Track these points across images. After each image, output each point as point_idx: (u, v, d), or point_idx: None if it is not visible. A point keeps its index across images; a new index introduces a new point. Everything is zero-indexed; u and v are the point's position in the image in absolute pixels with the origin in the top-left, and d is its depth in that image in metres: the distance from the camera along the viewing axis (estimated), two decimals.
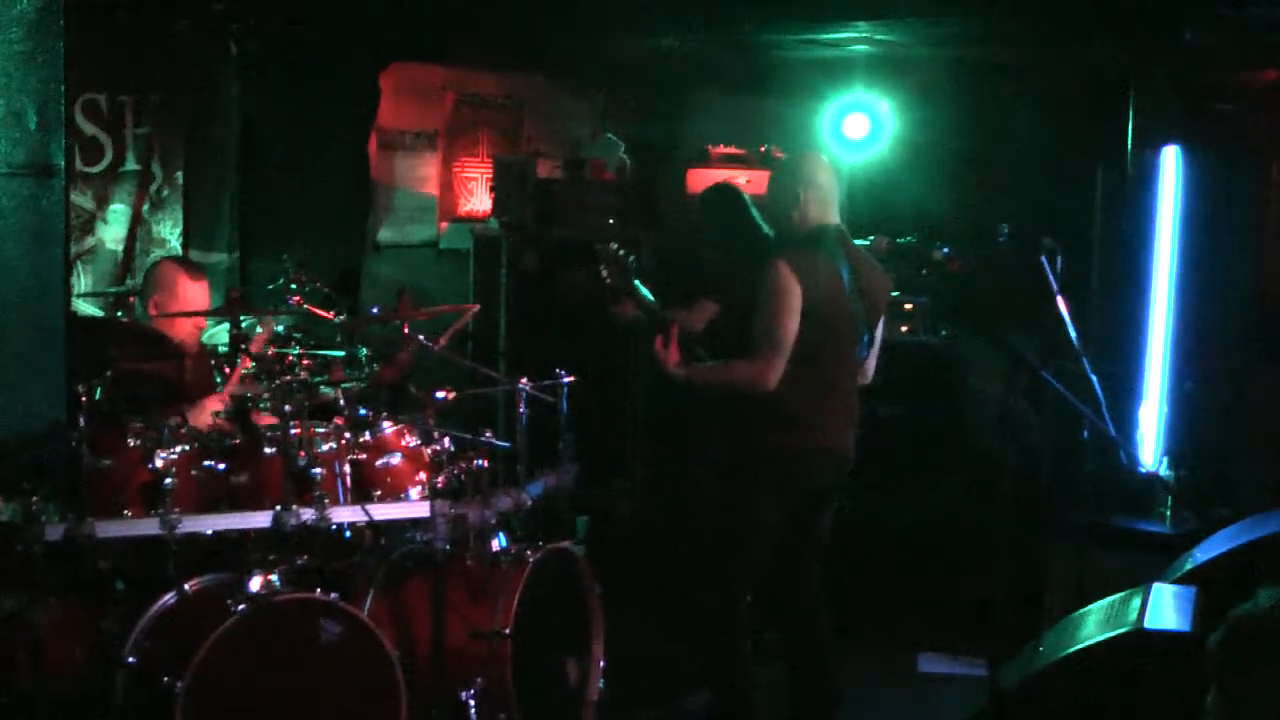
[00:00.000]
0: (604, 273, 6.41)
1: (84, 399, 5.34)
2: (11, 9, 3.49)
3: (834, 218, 6.15)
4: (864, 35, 8.80)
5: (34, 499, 5.07)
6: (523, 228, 9.58)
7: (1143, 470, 7.08)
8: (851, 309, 6.04)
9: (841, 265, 6.01)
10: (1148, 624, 4.99)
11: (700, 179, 9.28)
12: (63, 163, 3.77)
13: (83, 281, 7.65)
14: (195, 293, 6.53)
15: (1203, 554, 6.00)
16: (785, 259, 5.89)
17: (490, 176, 10.09)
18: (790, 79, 10.09)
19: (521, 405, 6.44)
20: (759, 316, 5.91)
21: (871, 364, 6.36)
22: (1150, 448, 7.39)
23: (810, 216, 6.08)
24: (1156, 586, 5.42)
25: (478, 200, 10.30)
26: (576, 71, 10.76)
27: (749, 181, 8.47)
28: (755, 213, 7.65)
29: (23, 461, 4.84)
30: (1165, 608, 5.17)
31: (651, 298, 6.70)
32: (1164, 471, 7.07)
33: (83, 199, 7.65)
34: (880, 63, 9.47)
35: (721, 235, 7.84)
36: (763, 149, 9.67)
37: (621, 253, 6.34)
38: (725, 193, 7.99)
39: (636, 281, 6.53)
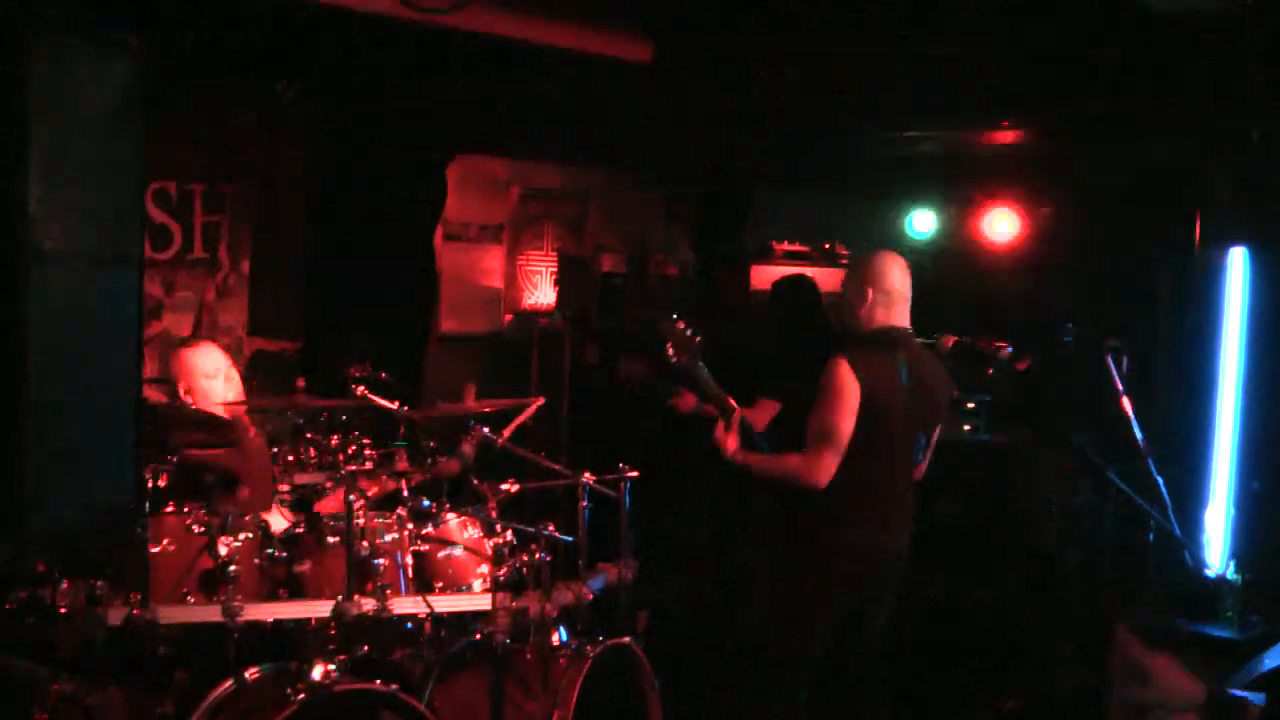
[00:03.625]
0: (669, 350, 6.33)
1: (149, 485, 5.38)
2: (94, 102, 3.53)
3: (901, 319, 6.12)
4: (932, 134, 8.82)
5: (98, 583, 5.10)
6: (585, 322, 9.60)
7: (1209, 572, 6.99)
8: (910, 412, 6.01)
9: (902, 368, 5.99)
10: None
11: (764, 275, 9.29)
12: (138, 253, 3.80)
13: (148, 368, 7.70)
14: (203, 361, 6.53)
15: (1272, 660, 5.91)
16: (846, 357, 5.88)
17: (554, 270, 10.14)
18: (856, 176, 10.12)
19: (584, 499, 6.43)
20: (815, 413, 5.90)
21: (925, 461, 6.35)
22: (1217, 549, 7.31)
23: (876, 317, 6.07)
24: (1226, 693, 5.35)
25: (542, 293, 10.34)
26: (641, 166, 10.82)
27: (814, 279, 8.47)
28: (825, 309, 7.65)
29: (89, 546, 4.87)
30: None
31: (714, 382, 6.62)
32: (1231, 574, 6.98)
33: (150, 286, 7.71)
34: (947, 160, 9.49)
35: (789, 328, 7.83)
36: (827, 245, 9.68)
37: (688, 332, 6.28)
38: (797, 285, 7.98)
39: (701, 362, 6.46)
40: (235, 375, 6.59)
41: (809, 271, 8.61)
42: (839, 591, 6.03)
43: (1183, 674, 4.44)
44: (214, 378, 6.47)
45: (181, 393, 6.46)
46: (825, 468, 5.84)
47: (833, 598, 6.02)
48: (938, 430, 6.34)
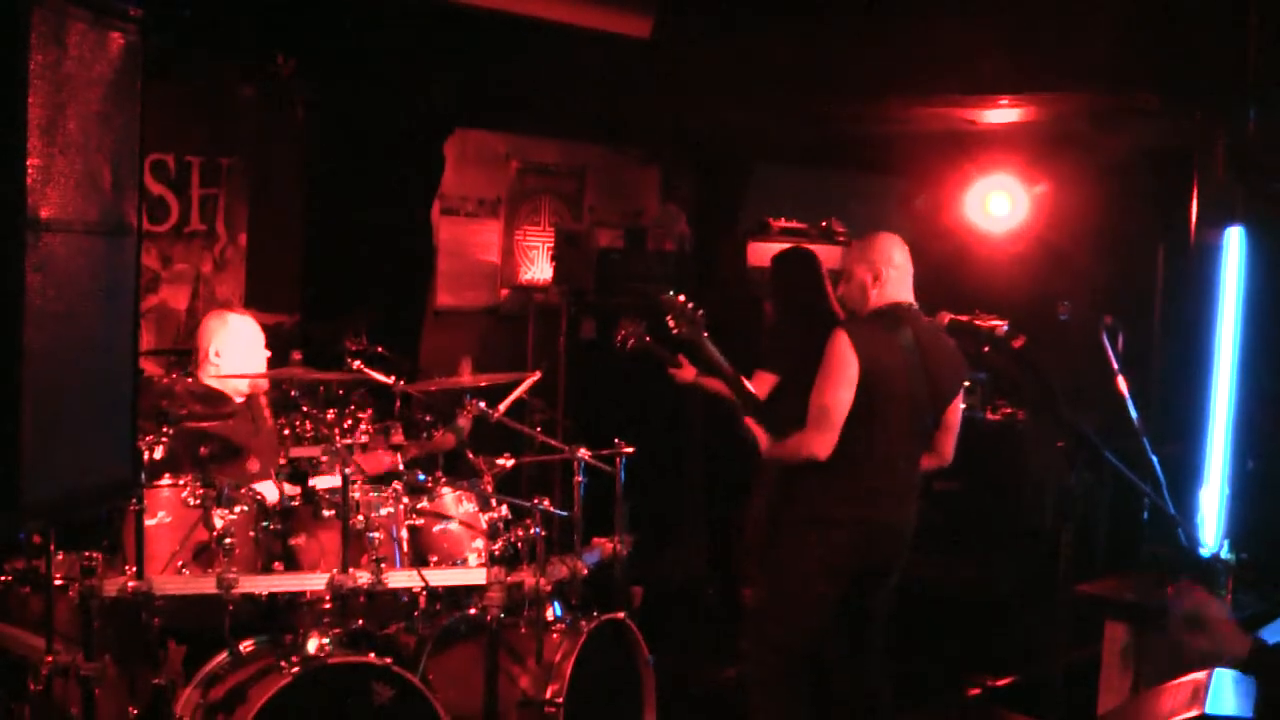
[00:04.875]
0: (670, 323, 6.34)
1: (145, 456, 5.38)
2: (91, 70, 3.52)
3: (907, 296, 6.14)
4: (929, 111, 8.81)
5: (93, 555, 5.10)
6: (582, 296, 9.60)
7: (1204, 551, 6.99)
8: (912, 388, 6.01)
9: (905, 343, 5.99)
10: (1209, 709, 4.92)
11: (761, 251, 9.28)
12: (135, 222, 3.79)
13: (145, 340, 7.68)
14: (242, 330, 6.53)
15: (1266, 638, 5.90)
16: (846, 330, 5.90)
17: (551, 245, 10.13)
18: (854, 153, 10.11)
19: (579, 474, 6.44)
20: (815, 386, 5.92)
21: (949, 446, 6.35)
22: (1212, 528, 7.31)
23: (885, 294, 6.09)
24: (1218, 671, 5.34)
25: (538, 268, 10.34)
26: (639, 141, 10.81)
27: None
28: (825, 284, 7.66)
29: (85, 516, 4.87)
30: (1226, 693, 5.09)
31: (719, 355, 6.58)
32: (1225, 553, 6.98)
33: (147, 258, 7.70)
34: (944, 137, 9.47)
35: (789, 301, 7.84)
36: (824, 223, 9.67)
37: (689, 305, 6.29)
38: (798, 259, 7.99)
39: (706, 334, 6.43)
40: (265, 353, 6.59)
41: (808, 248, 8.61)
42: (838, 566, 6.03)
43: (1235, 626, 4.44)
44: (247, 348, 6.46)
45: (212, 355, 6.43)
46: (821, 440, 5.88)
47: (831, 573, 6.02)
48: (954, 410, 6.31)
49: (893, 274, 6.10)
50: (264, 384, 6.63)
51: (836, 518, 6.01)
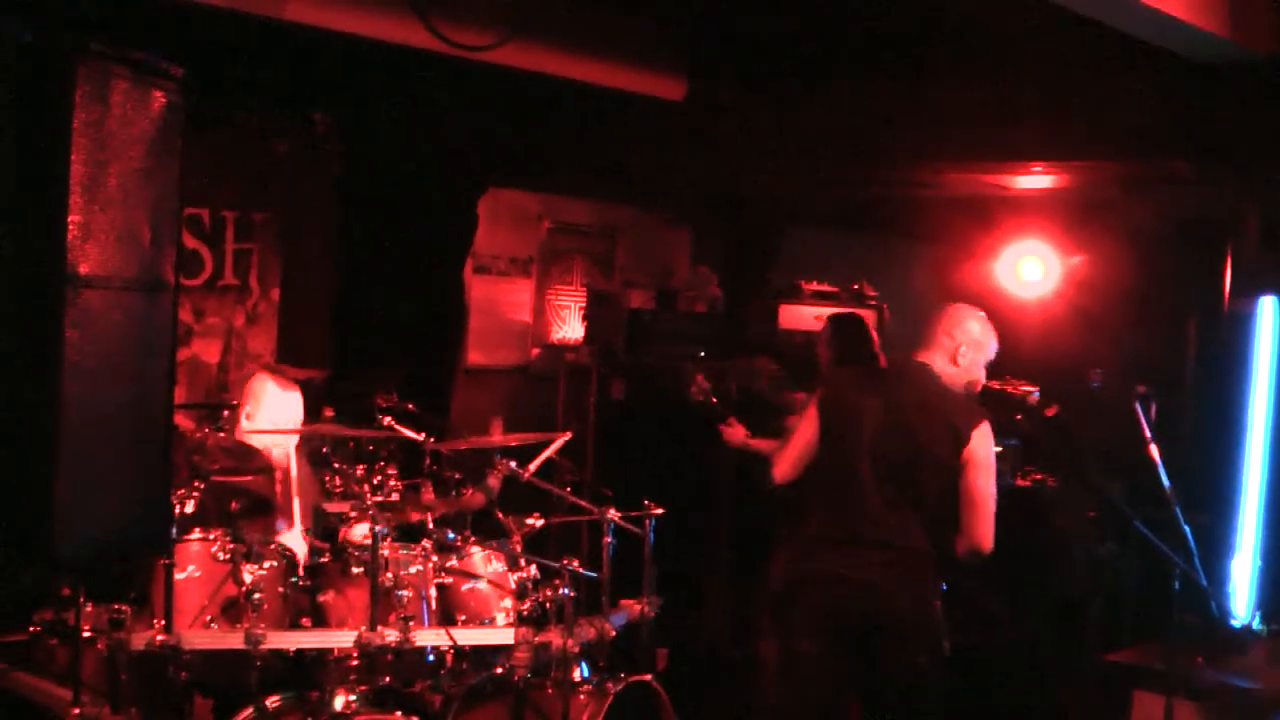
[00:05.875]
0: (693, 392, 6.43)
1: (176, 510, 5.39)
2: (133, 128, 3.56)
3: (929, 358, 6.03)
4: (962, 177, 8.82)
5: (122, 608, 5.11)
6: (613, 357, 9.61)
7: (1235, 622, 6.96)
8: (879, 438, 5.90)
9: (883, 394, 5.91)
10: None
11: (792, 315, 9.30)
12: (173, 278, 3.82)
13: (176, 394, 7.69)
14: (282, 402, 6.49)
15: None
16: (828, 374, 5.98)
17: (583, 304, 10.16)
18: (886, 217, 10.13)
19: (609, 535, 6.42)
20: None
21: (974, 524, 5.98)
22: (1243, 599, 7.27)
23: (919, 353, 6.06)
24: None
25: (569, 328, 10.36)
26: (671, 203, 10.84)
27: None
28: (874, 343, 7.74)
29: (116, 569, 4.88)
30: None
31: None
32: (1257, 624, 6.95)
33: (180, 312, 7.72)
34: (977, 203, 9.48)
35: (837, 361, 7.87)
36: (855, 286, 9.68)
37: (699, 375, 6.37)
38: (849, 322, 8.06)
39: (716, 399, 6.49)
40: (300, 417, 6.57)
41: (838, 310, 8.64)
42: (809, 622, 5.97)
43: None
44: (281, 415, 6.40)
45: (243, 415, 6.42)
46: (781, 463, 6.07)
47: (805, 629, 5.99)
48: (970, 485, 5.96)
49: (936, 337, 6.05)
50: (286, 448, 6.55)
51: (804, 571, 6.01)
